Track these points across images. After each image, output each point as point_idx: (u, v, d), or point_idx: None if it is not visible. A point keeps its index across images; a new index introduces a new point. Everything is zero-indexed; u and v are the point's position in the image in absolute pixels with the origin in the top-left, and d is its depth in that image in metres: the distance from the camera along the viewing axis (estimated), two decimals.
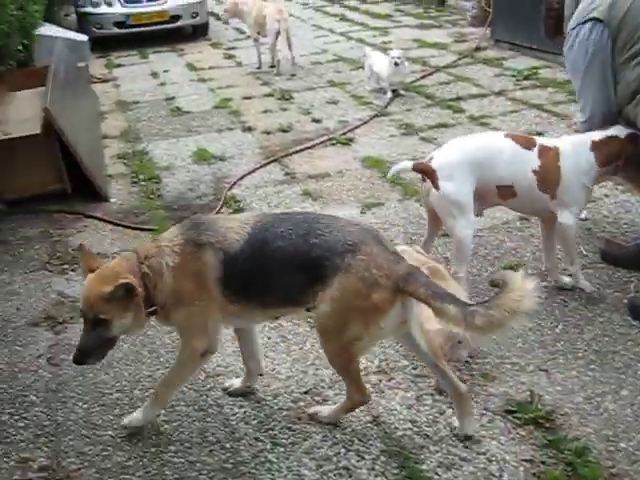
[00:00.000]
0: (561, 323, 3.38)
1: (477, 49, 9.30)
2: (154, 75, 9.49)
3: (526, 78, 7.67)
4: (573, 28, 3.35)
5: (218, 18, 13.41)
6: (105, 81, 9.35)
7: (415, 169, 3.48)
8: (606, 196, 4.64)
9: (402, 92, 7.38)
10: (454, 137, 5.74)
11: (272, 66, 9.03)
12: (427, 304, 2.42)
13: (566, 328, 3.34)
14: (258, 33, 9.13)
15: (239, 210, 4.83)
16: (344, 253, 2.45)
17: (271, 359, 3.24)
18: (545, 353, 3.17)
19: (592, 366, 3.07)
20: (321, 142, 6.11)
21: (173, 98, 8.06)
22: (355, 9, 14.11)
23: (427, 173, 3.38)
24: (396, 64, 7.03)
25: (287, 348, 3.32)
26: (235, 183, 5.29)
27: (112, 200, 5.21)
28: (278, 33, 8.74)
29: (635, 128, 3.36)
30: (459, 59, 8.86)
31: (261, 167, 5.61)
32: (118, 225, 4.75)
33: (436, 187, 3.34)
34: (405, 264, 2.52)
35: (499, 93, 7.24)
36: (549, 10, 3.64)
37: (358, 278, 2.43)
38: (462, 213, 3.36)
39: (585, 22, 3.28)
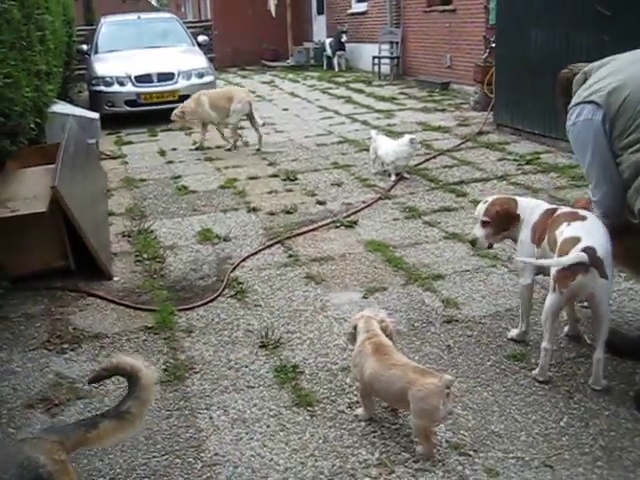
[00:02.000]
0: (566, 416, 3.30)
1: (480, 133, 9.49)
2: (162, 153, 9.67)
3: (528, 163, 7.79)
4: (576, 105, 3.41)
5: None
6: (114, 158, 9.52)
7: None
8: None
9: (406, 175, 7.49)
10: (457, 221, 5.96)
11: (229, 150, 9.56)
12: (87, 443, 2.39)
13: (571, 421, 3.26)
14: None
15: (241, 292, 4.83)
16: (39, 474, 2.17)
17: (269, 449, 3.17)
18: (550, 448, 3.09)
19: (599, 463, 2.98)
20: (325, 224, 6.13)
21: (180, 177, 8.19)
22: (360, 91, 14.48)
23: (596, 263, 3.27)
24: (411, 142, 7.29)
25: (286, 437, 3.25)
26: (238, 264, 5.30)
27: (115, 278, 5.20)
28: (247, 114, 9.30)
29: (633, 215, 3.39)
30: (462, 143, 9.03)
31: (265, 249, 5.62)
32: (120, 304, 4.74)
33: (605, 276, 3.29)
34: (54, 432, 2.46)
35: (502, 177, 7.32)
36: (562, 89, 3.73)
37: (59, 474, 2.23)
38: None
39: (586, 102, 3.35)
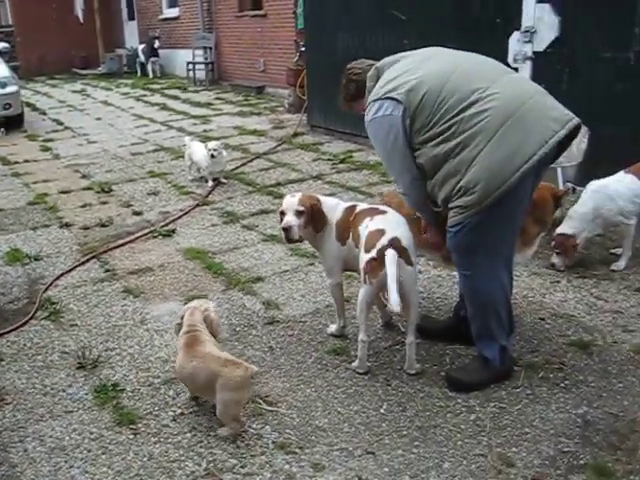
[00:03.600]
0: (385, 403, 3.45)
1: (295, 135, 9.70)
2: None
3: (342, 162, 8.07)
4: (375, 100, 3.46)
5: (35, 109, 13.04)
6: None
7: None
8: (420, 272, 4.87)
9: (223, 180, 7.49)
10: (275, 223, 6.01)
11: None
12: None
13: (390, 407, 3.41)
14: None
15: (56, 313, 4.58)
16: None
17: (91, 474, 3.03)
18: (371, 435, 3.21)
19: (416, 443, 3.14)
20: (142, 235, 5.99)
21: None
22: (176, 98, 14.30)
23: (402, 253, 3.40)
24: (212, 156, 7.15)
25: (109, 460, 3.12)
26: (51, 284, 5.02)
27: None
28: None
29: (436, 204, 3.58)
30: (278, 145, 9.18)
31: (79, 265, 5.38)
32: None
33: (411, 263, 3.44)
34: None
35: (317, 177, 7.53)
36: (348, 81, 3.79)
37: None
38: None
39: (386, 98, 3.40)
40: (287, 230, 3.82)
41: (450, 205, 3.37)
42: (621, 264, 4.92)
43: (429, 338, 4.01)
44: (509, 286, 3.61)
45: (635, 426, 3.17)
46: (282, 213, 3.87)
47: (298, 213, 3.81)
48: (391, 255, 3.34)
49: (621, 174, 4.88)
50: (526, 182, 3.29)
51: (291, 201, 3.85)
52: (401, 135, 3.40)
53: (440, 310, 4.39)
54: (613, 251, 5.16)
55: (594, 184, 4.86)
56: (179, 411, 3.44)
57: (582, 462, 2.95)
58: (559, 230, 4.87)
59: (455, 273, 4.22)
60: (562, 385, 3.52)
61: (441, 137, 3.31)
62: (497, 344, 3.54)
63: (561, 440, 3.10)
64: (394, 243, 3.40)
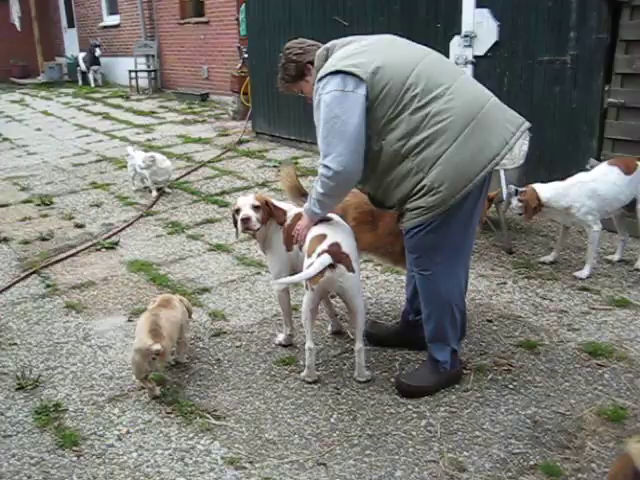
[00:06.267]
0: (335, 412, 3.40)
1: (240, 142, 9.63)
2: None
3: None
4: (333, 73, 3.21)
5: None
6: None
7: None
8: (367, 278, 4.87)
9: (167, 190, 7.38)
10: (221, 232, 5.96)
11: None
12: None
13: (340, 416, 3.37)
14: None
15: None
16: None
17: None
18: (322, 446, 3.16)
19: (367, 451, 3.10)
20: (85, 248, 5.84)
21: None
22: (118, 107, 14.06)
23: (342, 259, 3.36)
24: (148, 166, 7.09)
25: None
26: None
27: None
28: None
29: (380, 205, 3.53)
30: (223, 153, 9.10)
31: (19, 281, 5.19)
32: None
33: (352, 270, 3.39)
34: None
35: (262, 184, 7.48)
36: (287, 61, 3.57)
37: None
38: None
39: (347, 73, 3.18)
40: (246, 220, 3.78)
41: (409, 206, 3.29)
42: (584, 272, 4.83)
43: (378, 344, 3.99)
44: (465, 286, 3.60)
45: (582, 424, 3.21)
46: (237, 211, 3.85)
47: (255, 207, 3.81)
48: (323, 257, 3.33)
49: (605, 167, 4.86)
50: (486, 181, 3.31)
51: (246, 198, 3.87)
52: (363, 115, 3.18)
53: (388, 315, 4.38)
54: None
55: (581, 176, 4.87)
56: (125, 429, 3.33)
57: (532, 463, 2.96)
58: (538, 185, 4.87)
59: (403, 277, 4.20)
60: (511, 386, 3.54)
61: (405, 130, 3.18)
62: (449, 347, 3.53)
63: (511, 442, 3.11)
64: (333, 249, 3.37)
